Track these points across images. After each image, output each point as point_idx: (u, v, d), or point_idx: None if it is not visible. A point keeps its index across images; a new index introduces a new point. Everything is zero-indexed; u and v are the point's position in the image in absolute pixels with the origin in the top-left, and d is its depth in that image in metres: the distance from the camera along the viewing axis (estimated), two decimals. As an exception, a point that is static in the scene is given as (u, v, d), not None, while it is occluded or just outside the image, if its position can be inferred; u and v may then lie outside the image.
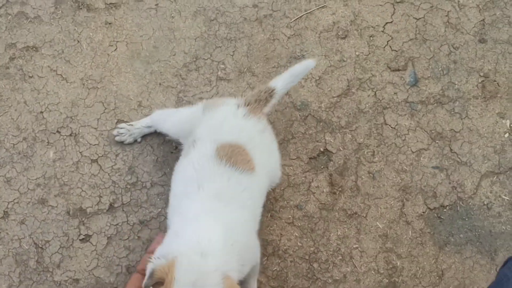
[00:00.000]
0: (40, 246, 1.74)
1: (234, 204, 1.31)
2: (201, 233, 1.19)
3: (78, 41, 1.88)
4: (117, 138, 1.78)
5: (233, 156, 1.32)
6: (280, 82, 1.52)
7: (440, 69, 1.92)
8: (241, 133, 1.39)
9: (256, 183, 1.38)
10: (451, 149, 1.84)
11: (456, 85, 1.90)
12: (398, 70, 1.91)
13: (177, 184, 1.41)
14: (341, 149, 1.82)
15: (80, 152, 1.79)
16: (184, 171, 1.38)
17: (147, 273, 1.14)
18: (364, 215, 1.79)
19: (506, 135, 1.86)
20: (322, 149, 1.82)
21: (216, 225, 1.23)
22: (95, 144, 1.79)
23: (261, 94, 1.47)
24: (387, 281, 1.77)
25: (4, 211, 1.75)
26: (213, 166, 1.32)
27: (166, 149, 1.80)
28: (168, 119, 1.65)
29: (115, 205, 1.76)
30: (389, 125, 1.85)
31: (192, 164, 1.35)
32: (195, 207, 1.28)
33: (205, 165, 1.33)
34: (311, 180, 1.80)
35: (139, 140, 1.79)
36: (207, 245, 1.16)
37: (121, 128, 1.78)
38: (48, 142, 1.79)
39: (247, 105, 1.43)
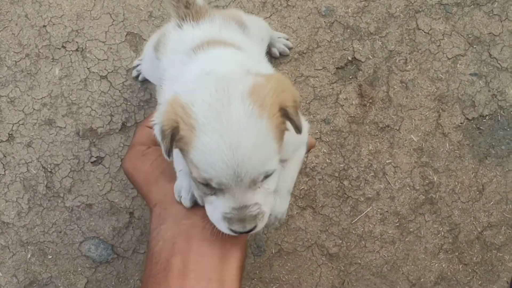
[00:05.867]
0: (49, 170, 1.62)
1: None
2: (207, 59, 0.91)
3: None
4: (140, 78, 1.62)
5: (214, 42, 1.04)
6: None
7: (476, -33, 1.76)
8: (205, 37, 1.07)
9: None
10: (490, 54, 1.69)
11: (495, -15, 1.74)
12: (431, -30, 1.75)
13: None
14: (371, 57, 1.68)
15: (88, 68, 1.65)
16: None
17: (157, 136, 0.81)
18: (397, 128, 1.65)
19: (549, 38, 1.71)
20: (350, 58, 1.67)
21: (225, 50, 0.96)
22: (103, 59, 1.65)
23: None
24: (423, 197, 1.64)
25: (9, 134, 1.62)
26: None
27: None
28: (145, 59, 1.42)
29: (128, 124, 1.63)
30: (422, 30, 1.69)
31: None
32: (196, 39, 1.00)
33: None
34: (339, 92, 1.66)
35: None
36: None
37: (137, 65, 1.61)
38: (53, 59, 1.65)
39: (185, 18, 1.12)
